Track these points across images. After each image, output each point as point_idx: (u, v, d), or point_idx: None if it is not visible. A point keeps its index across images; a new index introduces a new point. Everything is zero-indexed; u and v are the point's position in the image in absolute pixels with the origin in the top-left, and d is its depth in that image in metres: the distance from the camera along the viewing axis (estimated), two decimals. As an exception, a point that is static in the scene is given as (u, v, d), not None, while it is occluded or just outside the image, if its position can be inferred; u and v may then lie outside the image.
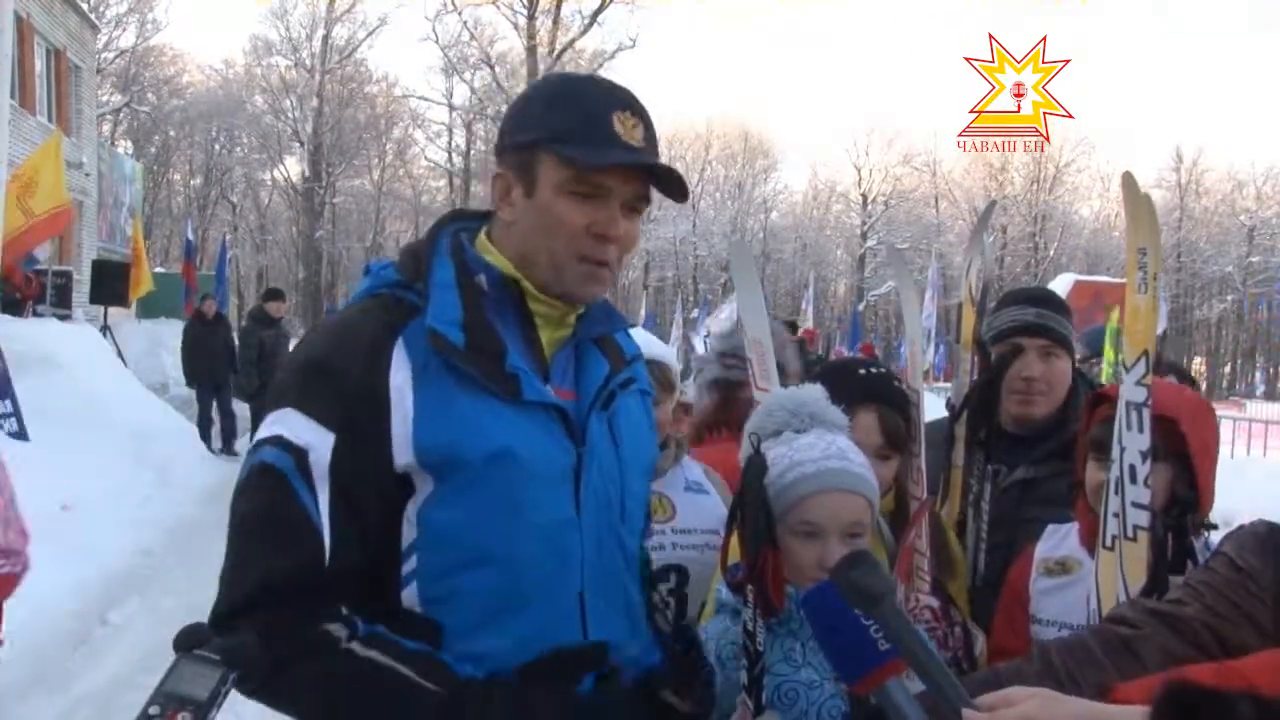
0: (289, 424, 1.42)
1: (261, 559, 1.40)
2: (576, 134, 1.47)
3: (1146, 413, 1.87)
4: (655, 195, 1.55)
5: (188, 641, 1.25)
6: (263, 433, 1.45)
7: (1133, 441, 1.87)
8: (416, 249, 1.57)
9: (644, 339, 2.16)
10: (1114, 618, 1.60)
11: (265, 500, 1.42)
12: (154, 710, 1.18)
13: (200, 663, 1.22)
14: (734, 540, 1.75)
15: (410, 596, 1.44)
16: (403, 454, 1.41)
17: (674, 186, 1.53)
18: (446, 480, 1.43)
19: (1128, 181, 2.00)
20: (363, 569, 1.42)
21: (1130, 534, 1.87)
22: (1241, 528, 1.58)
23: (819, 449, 1.77)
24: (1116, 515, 1.90)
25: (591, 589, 1.51)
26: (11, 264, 12.69)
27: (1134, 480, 1.87)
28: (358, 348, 1.45)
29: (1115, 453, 1.91)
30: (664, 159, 1.58)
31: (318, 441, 1.41)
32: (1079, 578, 2.09)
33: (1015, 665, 1.59)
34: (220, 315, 13.68)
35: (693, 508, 2.39)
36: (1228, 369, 54.36)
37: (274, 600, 1.37)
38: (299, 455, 1.40)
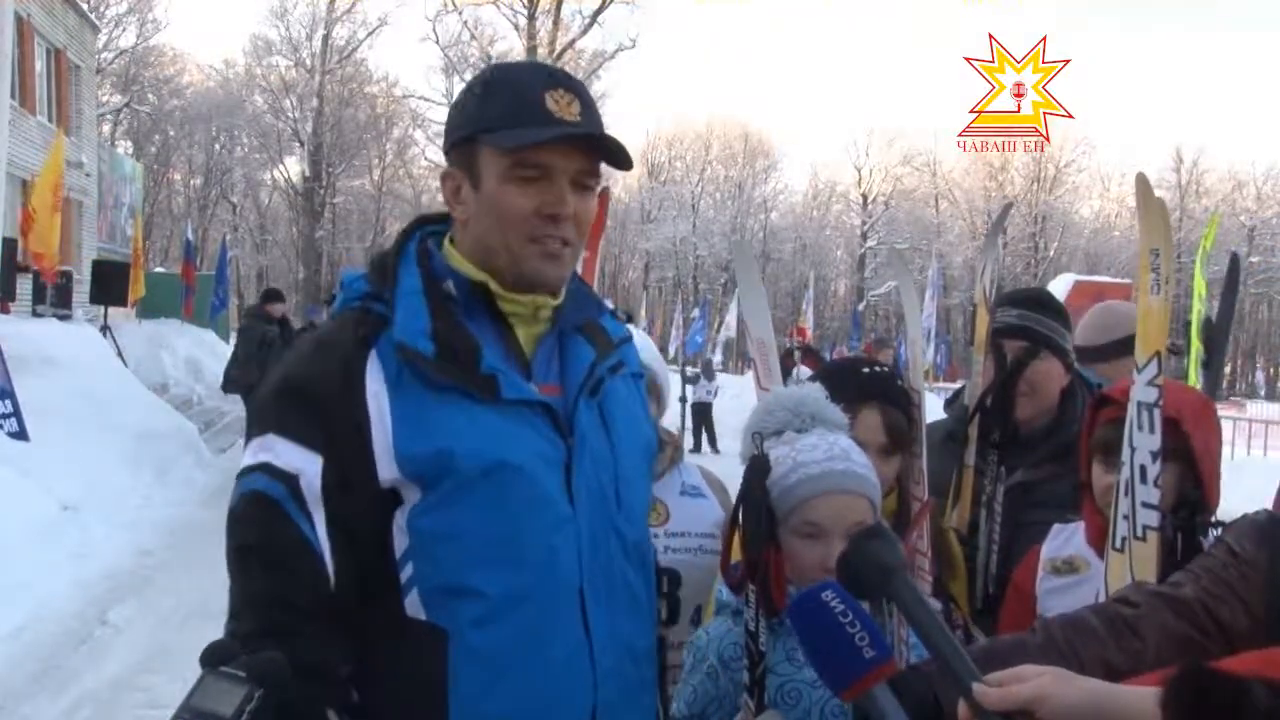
0: (275, 450, 1.42)
1: (269, 590, 1.39)
2: (510, 119, 1.46)
3: (1158, 413, 1.87)
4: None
5: (215, 657, 1.23)
6: (249, 459, 1.44)
7: (1143, 442, 1.87)
8: (384, 258, 1.56)
9: (639, 344, 2.14)
10: (1117, 598, 1.64)
11: (264, 530, 1.41)
12: None
13: (227, 679, 1.20)
14: (736, 540, 1.74)
15: (413, 604, 1.44)
16: (386, 468, 1.41)
17: (618, 156, 1.51)
18: (432, 489, 1.42)
19: (1141, 183, 1.99)
20: (362, 584, 1.42)
21: (1140, 534, 1.86)
22: (1245, 516, 1.63)
23: (822, 449, 1.76)
24: (1126, 517, 1.89)
25: (590, 583, 1.49)
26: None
27: (1144, 480, 1.86)
28: (332, 367, 1.44)
29: (1125, 454, 1.90)
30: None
31: (306, 465, 1.40)
32: (1087, 577, 2.08)
33: (1015, 638, 1.59)
34: (285, 318, 12.05)
35: (687, 511, 2.38)
36: (1228, 369, 54.36)
37: (286, 630, 1.35)
38: (290, 481, 1.40)
